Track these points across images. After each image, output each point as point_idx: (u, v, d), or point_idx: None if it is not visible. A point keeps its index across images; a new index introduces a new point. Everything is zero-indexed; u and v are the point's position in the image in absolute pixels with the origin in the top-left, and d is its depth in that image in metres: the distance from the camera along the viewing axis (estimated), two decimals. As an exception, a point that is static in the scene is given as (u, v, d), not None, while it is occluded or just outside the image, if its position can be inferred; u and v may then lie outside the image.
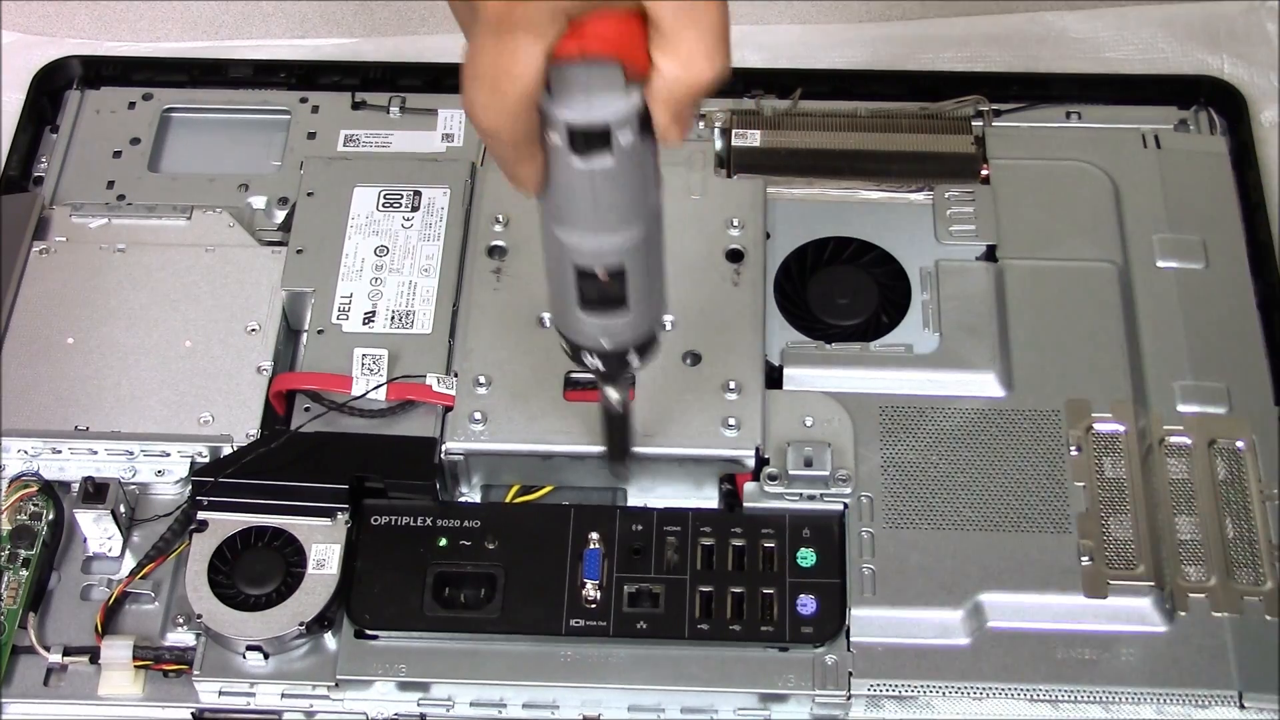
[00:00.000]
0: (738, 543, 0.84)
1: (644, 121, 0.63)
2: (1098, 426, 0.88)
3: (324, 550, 0.84)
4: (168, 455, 0.88)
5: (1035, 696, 0.81)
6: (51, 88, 1.06)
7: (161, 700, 0.83)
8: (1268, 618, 0.82)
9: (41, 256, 0.95)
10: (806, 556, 0.83)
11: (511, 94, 0.60)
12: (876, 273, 0.95)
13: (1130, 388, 0.89)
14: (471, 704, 0.82)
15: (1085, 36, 1.13)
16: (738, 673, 0.82)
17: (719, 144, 1.01)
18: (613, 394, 0.78)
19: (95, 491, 0.85)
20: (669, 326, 0.90)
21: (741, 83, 1.05)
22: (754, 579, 0.83)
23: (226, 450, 0.87)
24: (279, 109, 1.04)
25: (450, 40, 1.14)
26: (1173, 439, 0.88)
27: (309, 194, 0.98)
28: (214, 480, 0.85)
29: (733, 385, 0.87)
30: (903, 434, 0.88)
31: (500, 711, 0.82)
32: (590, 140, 0.62)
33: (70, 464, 0.88)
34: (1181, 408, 0.89)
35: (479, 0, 0.58)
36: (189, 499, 0.86)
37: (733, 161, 0.99)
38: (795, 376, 0.90)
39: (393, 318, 0.91)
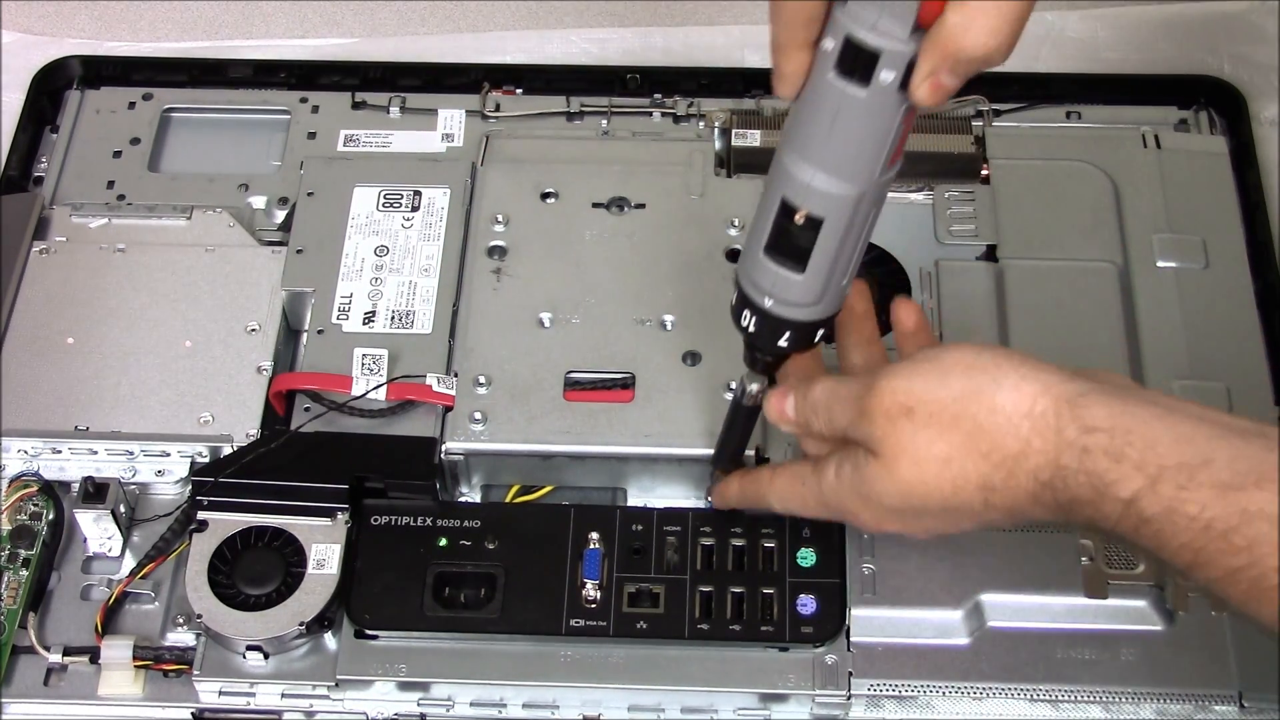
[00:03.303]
0: (738, 543, 0.84)
1: (910, 75, 0.63)
2: (1098, 426, 0.88)
3: (324, 550, 0.84)
4: (168, 455, 0.88)
5: (1035, 696, 0.81)
6: (51, 88, 1.06)
7: (161, 700, 0.83)
8: (1268, 618, 0.82)
9: (41, 256, 0.95)
10: (806, 556, 0.83)
11: None
12: (877, 273, 0.95)
13: (1130, 388, 0.89)
14: (471, 704, 0.82)
15: (1085, 36, 1.13)
16: (738, 673, 0.82)
17: (719, 144, 1.01)
18: (750, 385, 0.77)
19: (95, 491, 0.85)
20: (669, 326, 0.90)
21: (741, 83, 1.05)
22: (754, 579, 0.83)
23: (226, 450, 0.87)
24: (279, 109, 1.04)
25: (450, 40, 1.15)
26: (1173, 439, 0.88)
27: (309, 194, 0.98)
28: (214, 480, 0.85)
29: (733, 385, 0.87)
30: (903, 434, 0.88)
31: (500, 711, 0.82)
32: (857, 61, 0.62)
33: (70, 464, 0.88)
34: (1181, 408, 0.89)
35: None
36: (189, 499, 0.86)
37: (733, 161, 0.99)
38: (795, 376, 0.90)
39: (393, 318, 0.91)
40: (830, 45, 0.63)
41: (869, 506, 0.71)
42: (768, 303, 0.71)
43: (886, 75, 0.62)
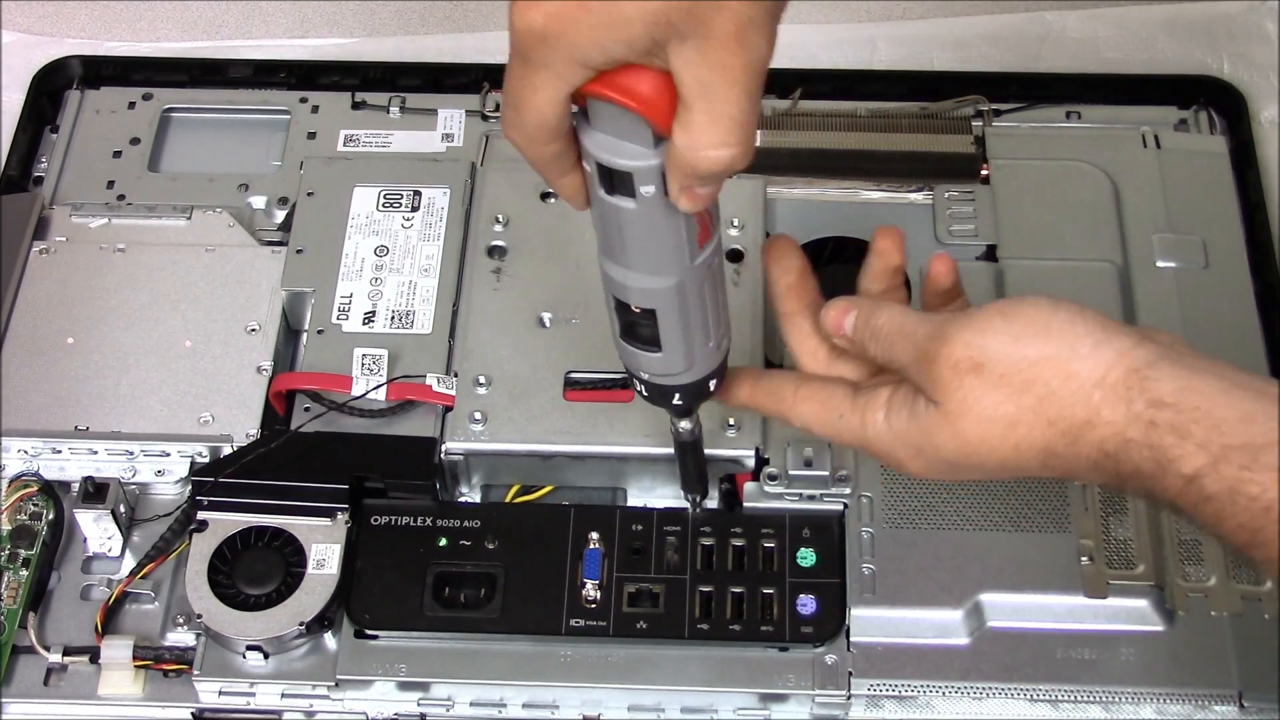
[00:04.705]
0: (738, 543, 0.84)
1: None
2: (1098, 426, 0.88)
3: (324, 550, 0.84)
4: (168, 455, 0.88)
5: (1035, 696, 0.81)
6: (51, 88, 1.06)
7: (161, 700, 0.83)
8: (1267, 617, 0.82)
9: (41, 256, 0.95)
10: (806, 556, 0.84)
11: (531, 121, 0.61)
12: (876, 273, 0.95)
13: (1130, 388, 0.89)
14: (471, 704, 0.82)
15: (1085, 36, 1.13)
16: (738, 673, 0.82)
17: (719, 144, 1.01)
18: (680, 425, 0.78)
19: (95, 491, 0.85)
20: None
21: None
22: (754, 579, 0.83)
23: (226, 450, 0.87)
24: (279, 109, 1.04)
25: (450, 40, 1.15)
26: (1173, 439, 0.88)
27: (309, 194, 0.98)
28: (214, 480, 0.85)
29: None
30: (903, 434, 0.88)
31: (500, 711, 0.82)
32: (615, 181, 0.62)
33: (70, 464, 0.88)
34: (1181, 408, 0.89)
35: (510, 30, 0.58)
36: (189, 499, 0.86)
37: (732, 161, 0.99)
38: (795, 376, 0.90)
39: (393, 318, 0.92)
40: (589, 168, 0.62)
41: (921, 456, 0.68)
42: (645, 376, 0.72)
43: (646, 190, 0.62)
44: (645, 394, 0.73)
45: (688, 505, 0.86)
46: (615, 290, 0.68)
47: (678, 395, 0.73)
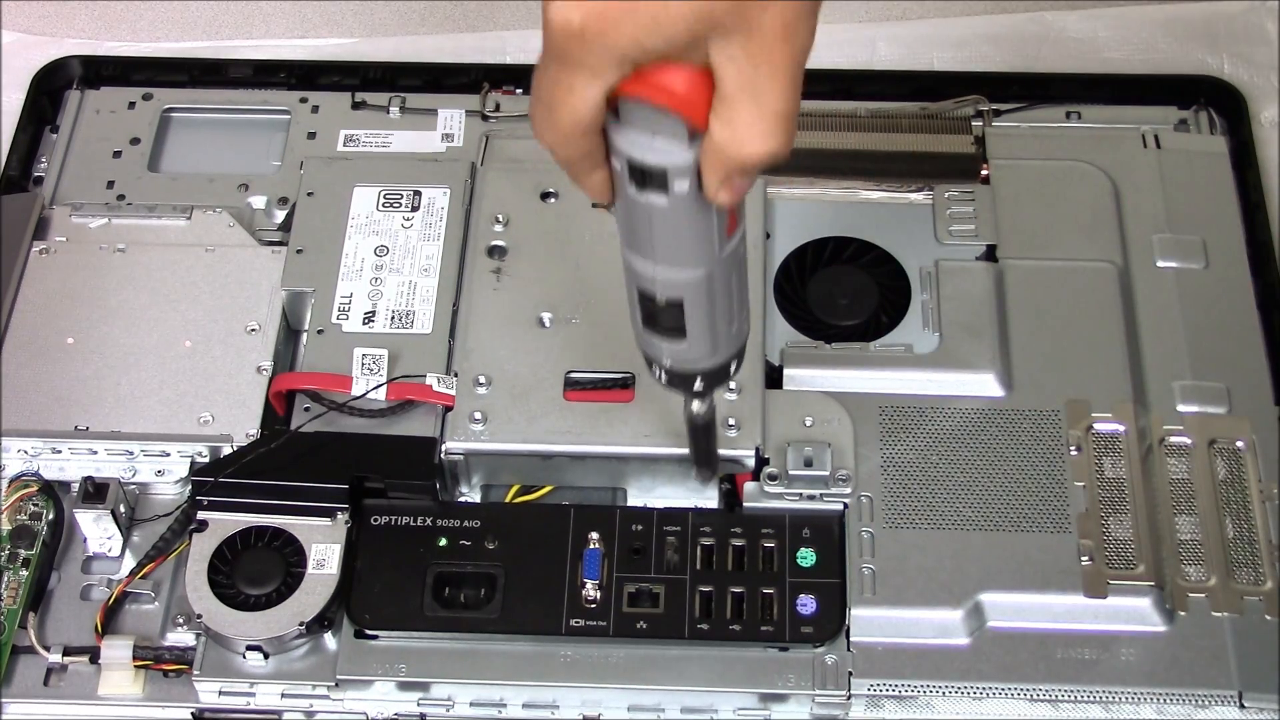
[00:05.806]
0: (738, 543, 0.84)
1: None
2: (1098, 426, 0.88)
3: (324, 550, 0.84)
4: (168, 455, 0.88)
5: (1035, 696, 0.81)
6: (51, 88, 1.06)
7: (161, 700, 0.83)
8: (1268, 618, 0.82)
9: (41, 256, 0.95)
10: (806, 556, 0.84)
11: (565, 122, 0.60)
12: (876, 273, 0.95)
13: (1130, 388, 0.89)
14: (471, 704, 0.82)
15: (1085, 36, 1.13)
16: (738, 673, 0.82)
17: (719, 144, 1.01)
18: (693, 406, 0.78)
19: (95, 491, 0.85)
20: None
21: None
22: (754, 579, 0.83)
23: (226, 450, 0.87)
24: (279, 109, 1.04)
25: (450, 40, 1.15)
26: (1173, 439, 0.88)
27: (309, 194, 0.98)
28: (214, 480, 0.85)
29: (733, 385, 0.87)
30: (903, 434, 0.88)
31: (500, 711, 0.82)
32: (647, 178, 0.62)
33: (70, 464, 0.88)
34: (1181, 408, 0.89)
35: (545, 29, 0.58)
36: (189, 499, 0.86)
37: (733, 161, 0.99)
38: (795, 376, 0.90)
39: (393, 318, 0.92)
40: (618, 166, 0.62)
41: None
42: (667, 363, 0.72)
43: (680, 185, 0.62)
44: (665, 381, 0.74)
45: (686, 504, 0.86)
46: (641, 283, 0.67)
47: (700, 381, 0.73)
